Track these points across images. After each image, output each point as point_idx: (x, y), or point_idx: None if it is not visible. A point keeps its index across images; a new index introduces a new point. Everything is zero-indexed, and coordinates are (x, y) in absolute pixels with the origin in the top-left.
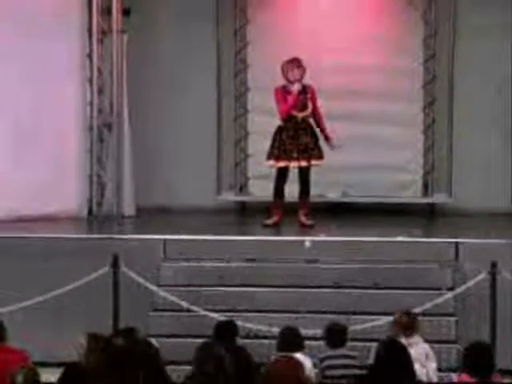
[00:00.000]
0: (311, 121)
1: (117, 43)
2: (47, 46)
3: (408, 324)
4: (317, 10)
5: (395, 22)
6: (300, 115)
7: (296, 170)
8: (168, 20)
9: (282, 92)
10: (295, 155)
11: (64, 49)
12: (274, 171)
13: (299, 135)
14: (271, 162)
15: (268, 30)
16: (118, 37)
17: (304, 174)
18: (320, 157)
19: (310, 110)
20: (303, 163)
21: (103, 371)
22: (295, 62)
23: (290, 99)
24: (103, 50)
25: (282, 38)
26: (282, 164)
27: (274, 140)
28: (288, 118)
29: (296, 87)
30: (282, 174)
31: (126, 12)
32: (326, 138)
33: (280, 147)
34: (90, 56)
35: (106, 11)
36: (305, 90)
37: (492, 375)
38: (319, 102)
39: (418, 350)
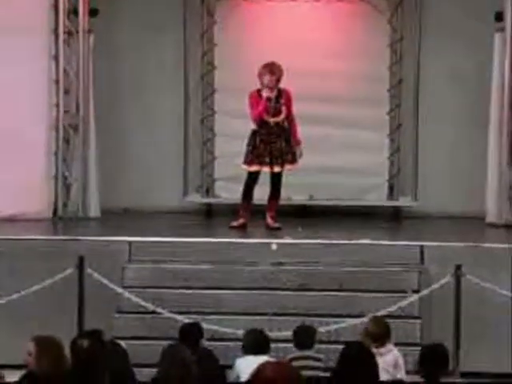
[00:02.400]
0: (286, 126)
1: (83, 44)
2: (13, 46)
3: (378, 335)
4: (284, 14)
5: (362, 27)
6: (272, 120)
7: (266, 174)
8: (134, 20)
9: (256, 96)
10: (267, 160)
11: (30, 49)
12: (241, 173)
13: (272, 140)
14: (244, 166)
15: (235, 32)
16: (85, 37)
17: (276, 179)
18: (293, 161)
19: (283, 115)
20: (276, 168)
21: (59, 375)
22: (268, 68)
23: (260, 105)
24: (69, 50)
25: (249, 40)
26: (254, 168)
27: (248, 145)
28: (261, 123)
29: (265, 93)
30: (253, 178)
31: (92, 13)
32: (294, 141)
33: (253, 151)
34: (56, 57)
35: (73, 12)
36: (280, 94)
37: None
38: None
39: (387, 358)
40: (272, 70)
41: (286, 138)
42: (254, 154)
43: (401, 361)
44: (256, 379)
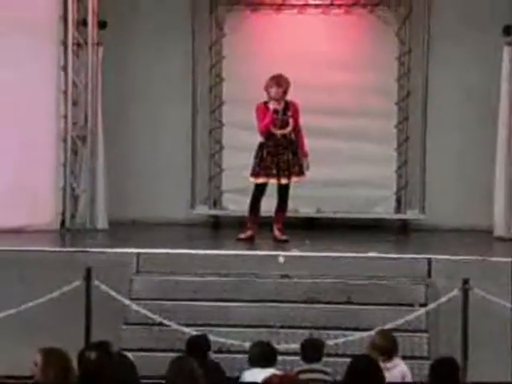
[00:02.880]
0: (293, 138)
1: (92, 56)
2: (22, 57)
3: (385, 349)
4: (292, 26)
5: (370, 39)
6: (279, 132)
7: (274, 185)
8: (144, 33)
9: (263, 109)
10: (275, 172)
11: (38, 61)
12: (249, 185)
13: (279, 152)
14: (251, 179)
15: (243, 44)
16: (94, 49)
17: (283, 191)
18: (300, 174)
19: (290, 127)
20: (283, 181)
21: None
22: (275, 80)
23: (267, 118)
24: (78, 62)
25: (257, 53)
26: (260, 180)
27: (255, 157)
28: (268, 136)
29: (272, 105)
30: (260, 190)
31: (101, 25)
32: (302, 153)
33: (260, 164)
34: (64, 68)
35: (82, 23)
36: (287, 107)
37: None
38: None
39: (394, 373)
40: (279, 82)
41: (292, 151)
42: (260, 167)
43: (408, 375)
44: None
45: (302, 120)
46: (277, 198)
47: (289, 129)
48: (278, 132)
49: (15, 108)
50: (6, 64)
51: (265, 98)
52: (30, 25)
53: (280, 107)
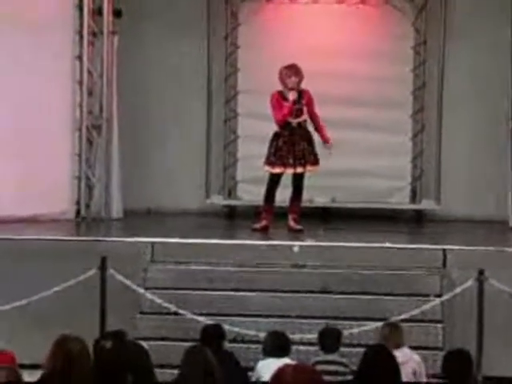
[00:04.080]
0: (308, 126)
1: (107, 45)
2: (37, 47)
3: (388, 336)
4: (308, 17)
5: (385, 29)
6: (295, 121)
7: (288, 175)
8: (159, 22)
9: (278, 98)
10: (291, 161)
11: (54, 50)
12: (264, 175)
13: (295, 141)
14: (267, 168)
15: (259, 34)
16: (109, 38)
17: (298, 180)
18: (315, 163)
19: (305, 115)
20: (299, 169)
21: (75, 374)
22: (293, 69)
23: (285, 108)
24: (94, 51)
25: (272, 43)
26: (277, 170)
27: (270, 146)
28: (284, 125)
29: (291, 96)
30: (276, 180)
31: (116, 13)
32: (324, 140)
33: (276, 153)
34: (80, 57)
35: (97, 12)
36: (301, 95)
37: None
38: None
39: (406, 368)
40: (297, 71)
41: (308, 139)
42: (276, 156)
43: (421, 367)
44: (276, 382)
45: (317, 110)
46: (292, 187)
47: (304, 117)
48: (294, 121)
49: (31, 97)
50: (21, 54)
51: (279, 87)
52: (46, 14)
53: (295, 96)
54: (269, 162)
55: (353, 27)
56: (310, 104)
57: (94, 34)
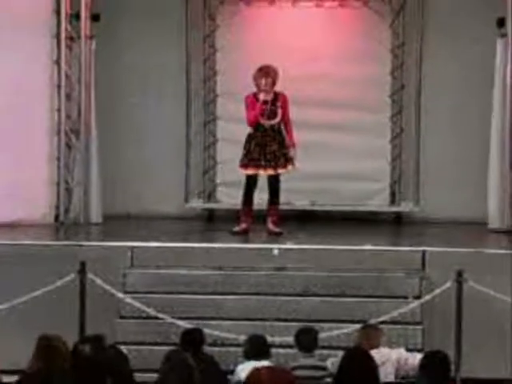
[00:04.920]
0: (281, 129)
1: (85, 49)
2: (14, 50)
3: (366, 337)
4: (286, 19)
5: (363, 32)
6: (267, 123)
7: (266, 178)
8: (137, 25)
9: (252, 100)
10: (263, 163)
11: (31, 54)
12: (243, 178)
13: (267, 143)
14: (241, 170)
15: (237, 36)
16: (87, 43)
17: (273, 183)
18: (286, 165)
19: (278, 118)
20: (269, 171)
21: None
22: (264, 70)
23: (256, 109)
24: (71, 55)
25: (251, 45)
26: (249, 172)
27: (244, 148)
28: (256, 126)
29: (262, 97)
30: (251, 182)
31: (94, 17)
32: (291, 146)
33: (248, 155)
34: (57, 62)
35: (75, 17)
36: (276, 97)
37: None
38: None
39: (385, 370)
40: (267, 72)
41: (279, 142)
42: (248, 158)
43: (396, 355)
44: (251, 382)
45: (296, 112)
46: (268, 190)
47: (277, 120)
48: (266, 123)
49: (8, 102)
50: None
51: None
52: (23, 19)
53: (269, 98)
54: (242, 163)
55: (331, 30)
56: (284, 107)
57: (71, 39)
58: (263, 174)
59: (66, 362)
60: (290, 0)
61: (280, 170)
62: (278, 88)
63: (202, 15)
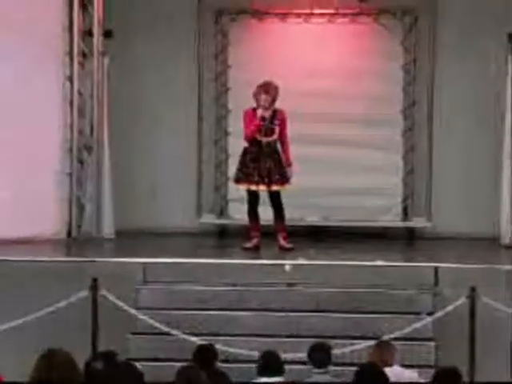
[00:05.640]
0: (278, 146)
1: (97, 66)
2: (28, 68)
3: (380, 354)
4: (298, 35)
5: (375, 48)
6: (264, 140)
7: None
8: (149, 42)
9: (250, 114)
10: (255, 179)
11: (44, 71)
12: None
13: (261, 159)
14: (234, 184)
15: (249, 53)
16: (99, 59)
17: (273, 199)
18: (282, 182)
19: (276, 135)
20: (261, 187)
21: None
22: (264, 87)
23: (253, 124)
24: (84, 72)
25: (263, 62)
26: (242, 186)
27: (239, 162)
28: (252, 142)
29: (259, 113)
30: (251, 198)
31: (107, 34)
32: (286, 163)
33: (242, 169)
34: (70, 78)
35: (87, 33)
36: (275, 115)
37: None
38: (297, 126)
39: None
40: (267, 89)
41: (275, 159)
42: (242, 172)
43: (408, 374)
44: None
45: (308, 128)
46: (271, 206)
47: (274, 137)
48: (263, 139)
49: (22, 118)
50: (12, 74)
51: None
52: (36, 35)
53: (268, 114)
54: (235, 177)
55: (343, 46)
56: (282, 125)
57: (84, 55)
58: (254, 190)
59: (68, 371)
60: (301, 16)
61: (274, 187)
62: (291, 103)
63: (214, 31)
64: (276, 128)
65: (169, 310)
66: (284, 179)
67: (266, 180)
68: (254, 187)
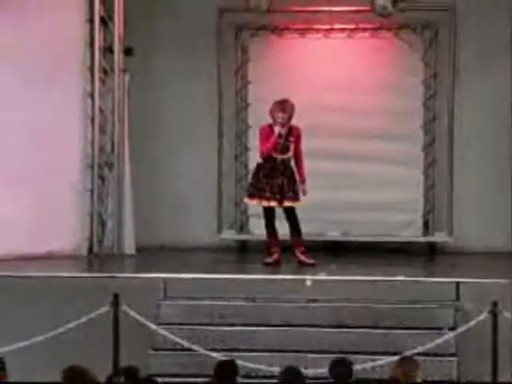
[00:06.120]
0: (292, 163)
1: (118, 82)
2: (49, 84)
3: (403, 371)
4: (318, 51)
5: (395, 63)
6: (279, 157)
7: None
8: (169, 58)
9: (267, 131)
10: (267, 194)
11: (66, 88)
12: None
13: (274, 176)
14: (246, 200)
15: (269, 69)
16: (120, 76)
17: (288, 214)
18: (294, 199)
19: (291, 152)
20: (273, 203)
21: None
22: (281, 105)
23: (271, 142)
24: (105, 88)
25: (283, 77)
26: (254, 202)
27: (252, 177)
28: (267, 159)
29: (277, 130)
30: (268, 214)
31: (127, 51)
32: (300, 179)
33: (255, 185)
34: (91, 95)
35: (108, 50)
36: (290, 132)
37: None
38: (318, 141)
39: None
40: (284, 108)
41: (288, 176)
42: (255, 188)
43: None
44: None
45: (329, 143)
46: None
47: (289, 154)
48: (279, 157)
49: (43, 135)
50: (33, 90)
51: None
52: (57, 52)
53: (284, 132)
54: (248, 193)
55: (363, 61)
56: (297, 142)
57: (105, 72)
58: (266, 206)
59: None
60: (321, 31)
61: (286, 203)
62: (311, 118)
63: (234, 47)
64: (291, 145)
65: (190, 326)
66: (296, 196)
67: (278, 196)
68: (265, 203)
